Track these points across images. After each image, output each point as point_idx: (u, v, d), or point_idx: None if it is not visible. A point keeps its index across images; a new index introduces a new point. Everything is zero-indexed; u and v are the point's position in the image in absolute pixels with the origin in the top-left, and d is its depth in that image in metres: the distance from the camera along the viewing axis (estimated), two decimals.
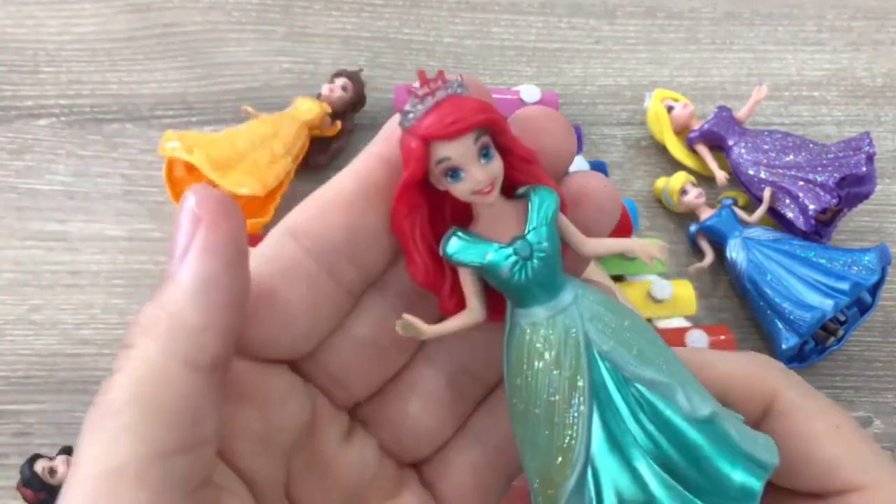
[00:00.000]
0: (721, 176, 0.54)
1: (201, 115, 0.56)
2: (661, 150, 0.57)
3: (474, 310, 0.21)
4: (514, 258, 0.21)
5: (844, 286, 0.46)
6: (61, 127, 0.54)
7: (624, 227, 0.48)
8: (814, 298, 0.46)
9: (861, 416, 0.49)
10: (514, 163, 0.21)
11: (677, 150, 0.55)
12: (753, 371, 0.24)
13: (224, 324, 0.19)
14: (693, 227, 0.52)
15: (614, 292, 0.46)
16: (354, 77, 0.54)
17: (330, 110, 0.53)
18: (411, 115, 0.20)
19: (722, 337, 0.48)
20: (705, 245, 0.52)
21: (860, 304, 0.49)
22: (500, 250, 0.21)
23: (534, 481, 0.22)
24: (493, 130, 0.20)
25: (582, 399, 0.20)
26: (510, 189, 0.22)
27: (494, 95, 0.59)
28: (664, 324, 0.49)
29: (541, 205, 0.21)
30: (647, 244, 0.21)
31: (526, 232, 0.21)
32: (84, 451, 0.17)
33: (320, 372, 0.23)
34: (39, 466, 0.41)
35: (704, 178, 0.55)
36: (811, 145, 0.52)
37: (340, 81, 0.54)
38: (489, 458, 0.24)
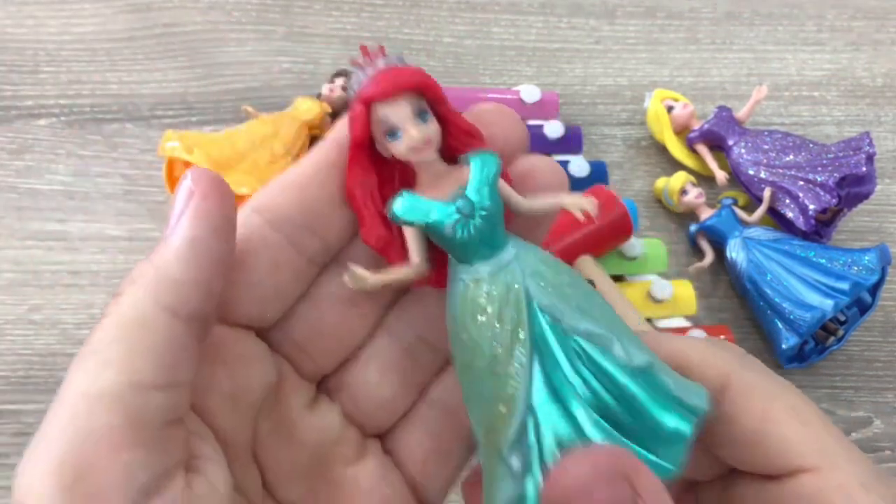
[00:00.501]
0: (721, 176, 0.54)
1: (201, 114, 0.56)
2: (661, 150, 0.57)
3: (416, 264, 0.23)
4: (456, 216, 0.22)
5: (844, 286, 0.46)
6: (61, 127, 0.54)
7: (624, 227, 0.48)
8: (814, 298, 0.46)
9: (861, 415, 0.49)
10: (455, 133, 0.23)
11: (677, 150, 0.55)
12: (706, 352, 0.24)
13: (206, 281, 0.21)
14: (693, 227, 0.52)
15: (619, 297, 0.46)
16: None
17: (330, 110, 0.53)
18: (355, 85, 0.22)
19: (722, 337, 0.48)
20: (705, 245, 0.52)
21: (860, 303, 0.49)
22: (443, 209, 0.22)
23: (478, 430, 0.23)
24: (429, 98, 0.22)
25: (523, 351, 0.21)
26: (455, 161, 0.23)
27: (494, 95, 0.59)
28: (664, 324, 0.49)
29: (483, 166, 0.22)
30: (577, 198, 0.23)
31: (468, 191, 0.22)
32: (69, 380, 0.19)
33: (286, 341, 0.24)
34: None
35: (704, 178, 0.55)
36: (811, 145, 0.52)
37: (340, 81, 0.54)
38: (446, 424, 0.26)
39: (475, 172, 0.22)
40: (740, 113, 0.55)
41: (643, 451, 0.21)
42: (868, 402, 0.49)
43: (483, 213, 0.22)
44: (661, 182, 0.54)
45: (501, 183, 0.23)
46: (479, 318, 0.22)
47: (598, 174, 0.53)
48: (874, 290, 0.48)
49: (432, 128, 0.22)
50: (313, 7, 0.61)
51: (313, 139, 0.53)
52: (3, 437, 0.44)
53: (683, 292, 0.49)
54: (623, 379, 0.21)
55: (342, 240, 0.24)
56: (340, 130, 0.23)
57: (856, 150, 0.50)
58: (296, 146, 0.51)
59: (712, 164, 0.54)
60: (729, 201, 0.52)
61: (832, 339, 0.49)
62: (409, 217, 0.22)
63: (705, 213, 0.52)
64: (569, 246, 0.46)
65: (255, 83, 0.57)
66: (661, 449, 0.22)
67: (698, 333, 0.47)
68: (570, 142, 0.54)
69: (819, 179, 0.49)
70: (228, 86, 0.57)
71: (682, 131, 0.56)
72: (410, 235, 0.23)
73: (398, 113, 0.22)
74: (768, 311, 0.48)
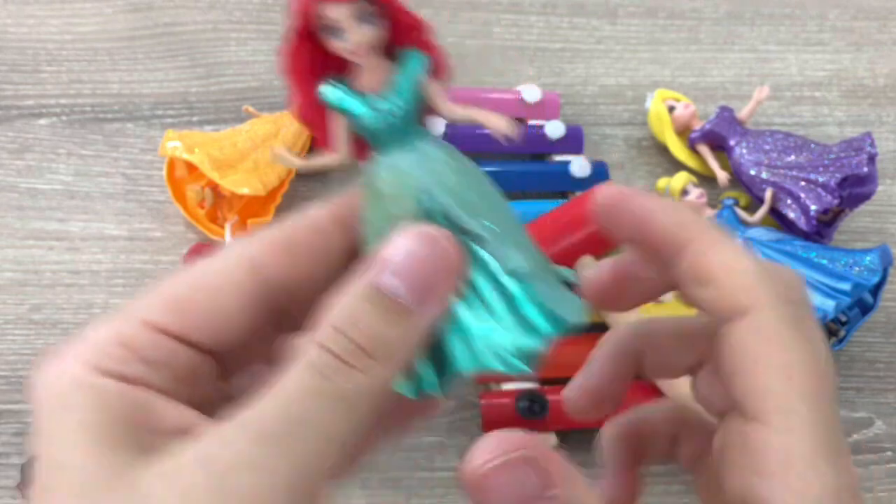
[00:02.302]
0: (722, 176, 0.54)
1: (202, 114, 0.56)
2: (663, 150, 0.57)
3: (340, 152, 0.25)
4: (374, 112, 0.24)
5: (846, 287, 0.46)
6: (62, 126, 0.54)
7: None
8: (815, 299, 0.46)
9: (862, 416, 0.49)
10: (400, 27, 0.24)
11: (679, 150, 0.55)
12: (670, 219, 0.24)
13: None
14: None
15: None
16: None
17: None
18: None
19: None
20: None
21: (861, 304, 0.49)
22: (365, 103, 0.24)
23: None
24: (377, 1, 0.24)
25: None
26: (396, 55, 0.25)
27: (496, 95, 0.59)
28: None
29: (407, 65, 0.24)
30: (497, 117, 0.25)
31: (391, 89, 0.24)
32: None
33: None
34: None
35: (706, 179, 0.55)
36: (813, 146, 0.52)
37: None
38: None
39: (402, 71, 0.24)
40: (742, 113, 0.55)
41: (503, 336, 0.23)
42: (869, 402, 0.49)
43: (399, 111, 0.24)
44: (662, 182, 0.54)
45: (430, 84, 0.24)
46: (378, 202, 0.24)
47: (600, 174, 0.53)
48: (875, 290, 0.48)
49: (374, 32, 0.24)
50: None
51: (314, 139, 0.53)
52: (4, 436, 0.44)
53: None
54: (503, 279, 0.23)
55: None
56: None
57: (857, 150, 0.50)
58: (297, 145, 0.51)
59: (714, 164, 0.54)
60: (730, 202, 0.52)
61: (833, 339, 0.49)
62: (335, 104, 0.24)
63: (707, 214, 0.52)
64: (569, 247, 0.46)
65: (256, 83, 0.57)
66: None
67: None
68: (572, 142, 0.54)
69: (820, 180, 0.49)
70: (229, 85, 0.57)
71: (683, 131, 0.56)
72: (337, 123, 0.25)
73: (342, 15, 0.23)
74: None
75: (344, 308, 0.21)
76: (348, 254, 0.24)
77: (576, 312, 0.24)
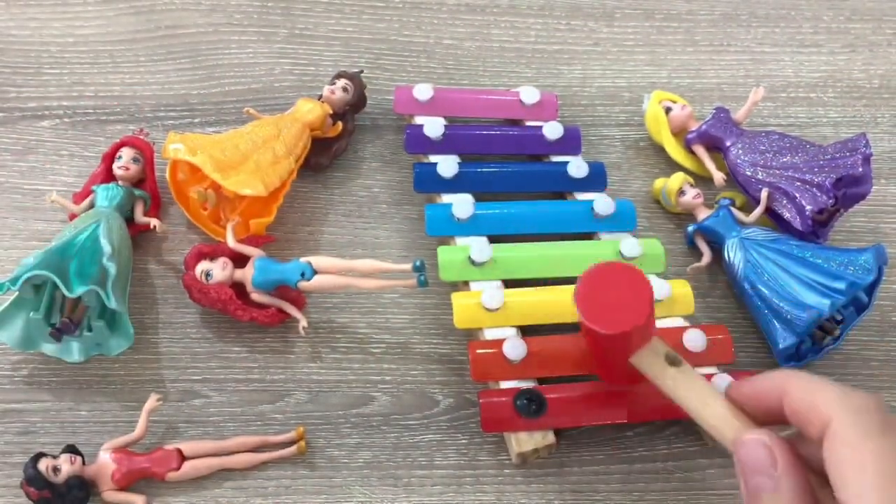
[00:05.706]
0: (719, 177, 0.54)
1: (203, 116, 0.56)
2: (660, 150, 0.57)
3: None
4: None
5: (841, 286, 0.46)
6: (65, 128, 0.55)
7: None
8: (811, 298, 0.47)
9: None
10: None
11: (675, 150, 0.56)
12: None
13: None
14: (691, 228, 0.53)
15: None
16: (355, 79, 0.55)
17: (331, 111, 0.53)
18: None
19: (720, 336, 0.48)
20: (703, 245, 0.52)
21: (856, 303, 0.49)
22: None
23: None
24: None
25: None
26: None
27: (494, 97, 0.59)
28: (662, 323, 0.49)
29: None
30: None
31: None
32: None
33: None
34: (43, 465, 0.42)
35: (702, 179, 0.55)
36: (808, 146, 0.52)
37: (341, 83, 0.54)
38: None
39: None
40: (738, 114, 0.55)
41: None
42: None
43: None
44: (659, 182, 0.55)
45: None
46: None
47: (597, 175, 0.53)
48: (870, 289, 0.49)
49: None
50: (314, 9, 0.61)
51: (314, 140, 0.53)
52: (7, 435, 0.45)
53: (681, 292, 0.49)
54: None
55: None
56: None
57: (852, 150, 0.50)
58: (297, 147, 0.51)
59: (710, 164, 0.55)
60: (726, 202, 0.52)
61: (829, 338, 0.49)
62: None
63: (703, 214, 0.52)
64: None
65: (257, 85, 0.58)
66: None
67: (696, 333, 0.47)
68: (569, 143, 0.54)
69: (816, 180, 0.50)
70: (230, 87, 0.58)
71: (680, 132, 0.56)
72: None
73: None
74: (765, 311, 0.48)
75: None
76: None
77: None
